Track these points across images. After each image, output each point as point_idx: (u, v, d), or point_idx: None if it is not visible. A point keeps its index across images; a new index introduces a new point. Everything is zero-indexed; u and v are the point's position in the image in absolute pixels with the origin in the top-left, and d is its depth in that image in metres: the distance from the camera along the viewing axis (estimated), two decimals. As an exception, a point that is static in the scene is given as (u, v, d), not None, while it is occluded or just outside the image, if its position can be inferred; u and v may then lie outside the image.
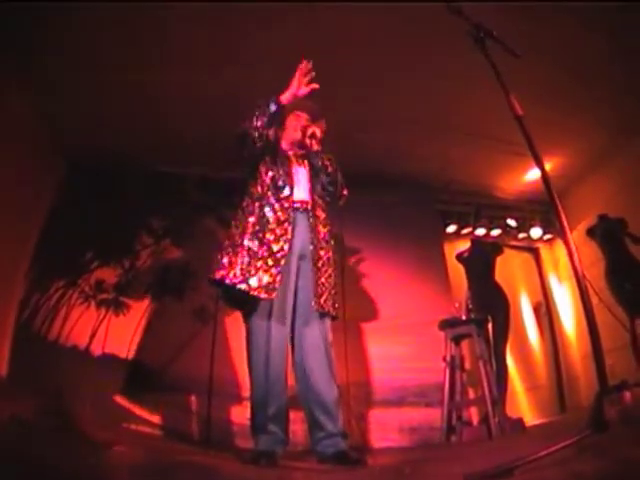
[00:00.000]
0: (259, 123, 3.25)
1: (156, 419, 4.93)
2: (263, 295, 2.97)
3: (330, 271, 3.27)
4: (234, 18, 4.44)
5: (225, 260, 3.10)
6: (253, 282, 2.98)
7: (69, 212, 5.87)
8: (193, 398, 5.14)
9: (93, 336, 5.31)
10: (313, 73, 3.41)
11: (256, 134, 3.25)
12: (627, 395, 2.84)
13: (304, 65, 3.40)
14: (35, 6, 4.06)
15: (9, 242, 5.15)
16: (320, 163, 3.43)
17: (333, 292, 3.26)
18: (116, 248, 5.91)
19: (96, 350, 5.26)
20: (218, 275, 3.05)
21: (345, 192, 3.52)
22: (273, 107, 3.29)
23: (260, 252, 3.07)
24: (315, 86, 3.44)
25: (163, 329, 5.46)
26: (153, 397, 5.06)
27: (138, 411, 4.95)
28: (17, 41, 4.44)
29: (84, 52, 4.66)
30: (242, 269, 3.02)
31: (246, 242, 3.10)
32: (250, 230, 3.15)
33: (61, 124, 5.60)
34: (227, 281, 3.01)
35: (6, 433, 2.05)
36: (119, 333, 5.38)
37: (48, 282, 5.51)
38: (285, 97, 3.36)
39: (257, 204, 3.25)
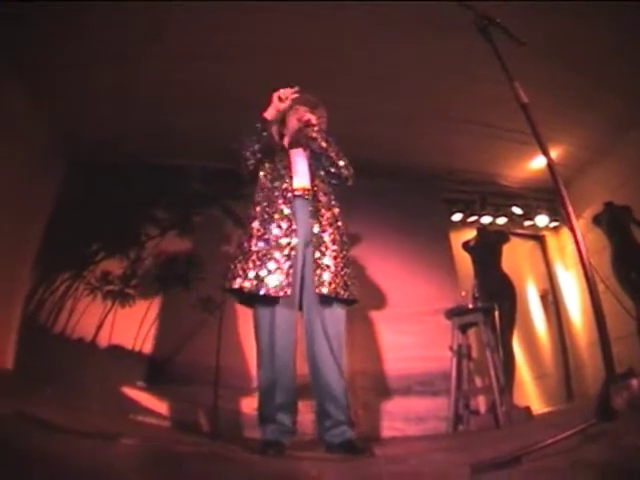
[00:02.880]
0: (249, 143, 3.40)
1: (163, 410, 4.95)
2: (281, 294, 2.99)
3: (336, 252, 3.20)
4: (232, 15, 4.44)
5: (238, 268, 3.11)
6: (269, 283, 2.99)
7: (74, 205, 5.90)
8: (200, 389, 5.14)
9: (99, 328, 5.33)
10: (295, 96, 3.48)
11: (248, 154, 3.40)
12: (634, 383, 2.84)
13: (283, 92, 3.47)
14: (34, 6, 4.06)
15: (15, 236, 5.17)
16: (318, 147, 3.45)
17: (342, 273, 3.17)
18: (122, 240, 5.92)
19: (102, 342, 5.28)
20: (235, 284, 3.05)
21: (351, 171, 3.51)
22: (258, 125, 3.41)
23: (269, 253, 3.08)
24: (295, 96, 3.50)
25: (169, 320, 5.48)
26: (160, 388, 5.09)
27: (145, 403, 4.98)
28: (17, 40, 4.45)
29: (83, 50, 4.68)
30: (256, 274, 3.04)
31: (254, 247, 3.12)
32: (256, 234, 3.17)
33: (64, 119, 5.61)
34: (245, 290, 3.03)
35: (12, 427, 2.06)
36: (125, 325, 5.40)
37: (54, 275, 5.54)
38: (268, 113, 3.46)
39: (259, 208, 3.28)
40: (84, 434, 2.42)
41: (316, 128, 3.50)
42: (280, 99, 3.43)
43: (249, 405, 4.87)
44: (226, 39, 4.70)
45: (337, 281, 3.11)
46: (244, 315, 4.98)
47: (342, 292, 3.12)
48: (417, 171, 6.87)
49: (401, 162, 6.64)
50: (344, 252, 3.27)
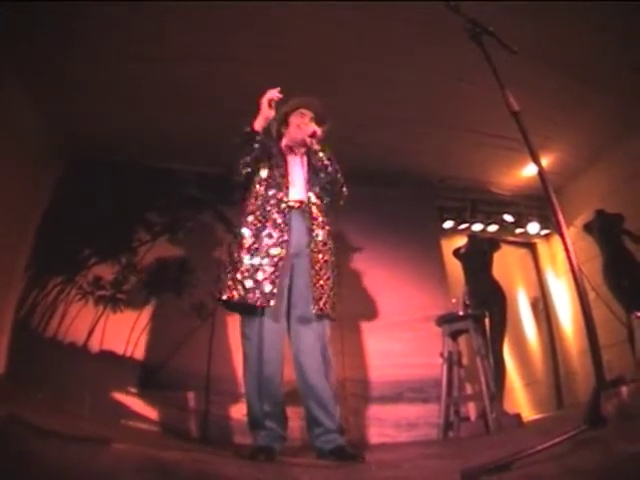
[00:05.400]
0: (241, 156, 3.35)
1: (154, 416, 4.94)
2: (265, 303, 3.01)
3: (329, 274, 3.24)
4: (234, 16, 4.44)
5: (228, 279, 3.13)
6: (256, 294, 3.02)
7: (67, 209, 5.87)
8: (191, 395, 5.14)
9: (91, 333, 5.30)
10: (280, 96, 3.41)
11: (240, 166, 3.36)
12: (624, 390, 2.85)
13: (270, 93, 3.40)
14: (35, 5, 4.06)
15: (7, 239, 5.14)
16: (320, 163, 3.41)
17: (332, 294, 3.23)
18: (114, 244, 5.90)
19: (94, 347, 5.24)
20: (224, 296, 3.08)
21: (345, 192, 3.51)
22: (246, 135, 3.36)
23: (259, 264, 3.10)
24: (279, 96, 3.41)
25: (161, 326, 5.46)
26: (151, 394, 5.06)
27: (136, 408, 4.96)
28: (17, 39, 4.45)
29: (83, 50, 4.67)
30: (244, 286, 3.05)
31: (245, 259, 3.13)
32: (247, 245, 3.17)
33: (59, 121, 5.60)
34: (234, 301, 3.05)
35: (4, 432, 2.05)
36: (117, 330, 5.37)
37: (46, 279, 5.49)
38: (258, 123, 3.39)
39: (251, 217, 3.27)
40: (75, 438, 2.42)
41: (319, 145, 3.45)
42: (270, 105, 3.37)
43: (240, 411, 4.85)
44: (225, 42, 4.71)
45: (327, 301, 3.18)
46: (236, 322, 4.98)
47: (331, 312, 3.21)
48: (408, 178, 6.87)
49: (392, 169, 6.65)
50: (335, 272, 3.34)
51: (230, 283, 3.09)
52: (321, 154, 3.41)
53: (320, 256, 3.23)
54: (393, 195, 6.84)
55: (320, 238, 3.28)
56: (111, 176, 6.20)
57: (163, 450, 2.92)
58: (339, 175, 3.46)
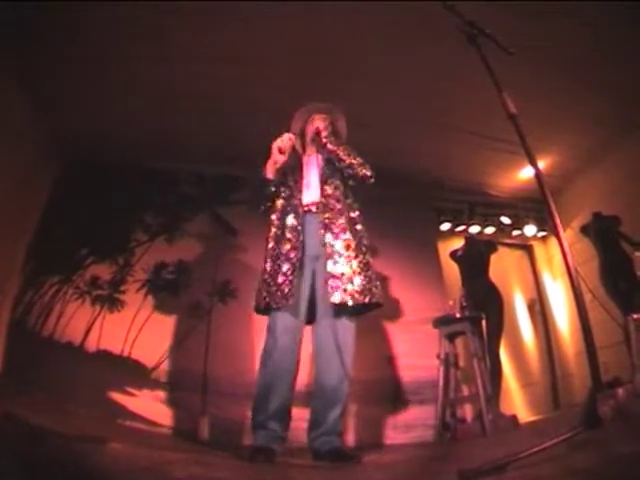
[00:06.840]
0: (259, 202, 3.57)
1: (151, 416, 4.93)
2: (283, 303, 3.05)
3: (350, 258, 3.16)
4: (232, 16, 4.44)
5: (258, 288, 3.28)
6: (277, 296, 3.07)
7: (64, 208, 5.88)
8: (188, 395, 5.13)
9: (88, 332, 5.31)
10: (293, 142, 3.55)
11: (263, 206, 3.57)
12: (620, 392, 2.86)
13: (281, 141, 3.46)
14: (34, 5, 4.06)
15: (4, 239, 5.14)
16: (328, 152, 3.48)
17: (361, 277, 3.13)
18: (111, 244, 5.90)
19: (91, 347, 5.25)
20: (257, 304, 3.25)
21: (367, 172, 3.47)
22: (263, 186, 3.50)
23: (280, 269, 3.15)
24: (292, 143, 3.53)
25: (158, 325, 5.46)
26: (148, 394, 5.07)
27: (133, 408, 4.95)
28: (17, 39, 4.44)
29: (83, 50, 4.66)
30: (268, 291, 3.13)
31: (268, 267, 3.23)
32: (269, 254, 3.28)
33: (57, 121, 5.60)
34: (261, 306, 3.17)
35: (0, 431, 2.05)
36: (114, 330, 5.37)
37: (43, 278, 5.51)
38: (269, 171, 3.45)
39: (274, 228, 3.37)
40: (72, 438, 2.41)
41: (324, 134, 3.52)
42: (280, 150, 3.41)
43: (237, 412, 4.86)
44: (225, 42, 4.71)
45: (353, 286, 3.09)
46: (232, 321, 4.99)
47: (358, 297, 3.08)
48: (405, 179, 6.86)
49: (389, 170, 6.61)
50: (360, 256, 3.23)
51: (258, 293, 3.23)
52: (327, 144, 3.48)
53: (337, 243, 3.19)
54: (390, 196, 6.81)
55: (337, 225, 3.25)
56: (108, 176, 6.20)
57: (158, 450, 2.92)
58: (352, 155, 3.47)
